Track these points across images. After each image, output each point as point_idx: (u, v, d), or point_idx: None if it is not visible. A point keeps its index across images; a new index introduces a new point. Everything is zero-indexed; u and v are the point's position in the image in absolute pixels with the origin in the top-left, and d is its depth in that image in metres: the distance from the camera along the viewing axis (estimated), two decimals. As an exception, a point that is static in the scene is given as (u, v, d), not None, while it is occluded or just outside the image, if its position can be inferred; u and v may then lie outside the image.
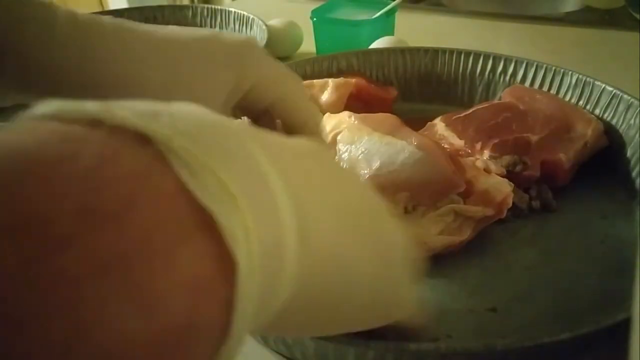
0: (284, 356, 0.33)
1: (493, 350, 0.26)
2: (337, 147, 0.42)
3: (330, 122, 0.44)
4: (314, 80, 0.54)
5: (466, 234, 0.38)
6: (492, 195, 0.38)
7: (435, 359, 0.27)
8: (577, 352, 0.31)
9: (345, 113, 0.45)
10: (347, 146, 0.42)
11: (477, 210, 0.37)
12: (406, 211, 0.38)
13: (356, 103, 0.53)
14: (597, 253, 0.39)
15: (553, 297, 0.31)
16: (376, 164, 0.39)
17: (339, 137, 0.43)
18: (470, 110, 0.49)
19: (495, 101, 0.51)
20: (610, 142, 0.47)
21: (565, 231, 0.41)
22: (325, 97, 0.53)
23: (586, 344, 0.31)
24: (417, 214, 0.38)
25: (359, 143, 0.41)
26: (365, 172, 0.39)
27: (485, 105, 0.50)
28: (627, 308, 0.27)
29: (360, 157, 0.40)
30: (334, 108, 0.51)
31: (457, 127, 0.48)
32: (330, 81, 0.54)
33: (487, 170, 0.41)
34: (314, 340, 0.28)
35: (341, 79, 0.54)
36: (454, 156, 0.41)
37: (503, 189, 0.39)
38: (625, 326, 0.25)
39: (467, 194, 0.38)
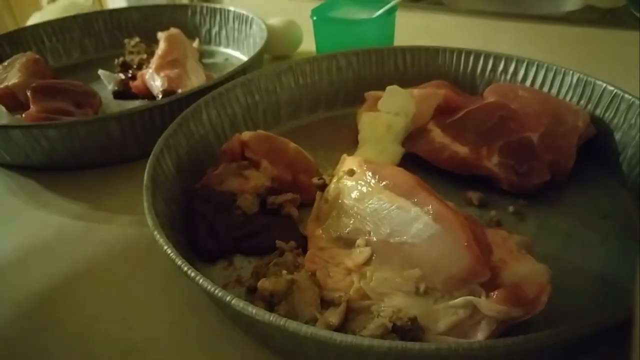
0: (285, 357, 0.33)
1: (494, 351, 0.26)
2: (342, 199, 0.38)
3: (344, 163, 0.40)
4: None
5: (481, 337, 0.30)
6: (524, 290, 0.30)
7: None
8: (577, 352, 0.31)
9: (357, 160, 0.39)
10: (353, 202, 0.37)
11: (500, 310, 0.29)
12: (417, 292, 0.32)
13: (444, 115, 0.49)
14: (597, 253, 0.39)
15: (553, 298, 0.30)
16: (386, 230, 0.34)
17: (345, 183, 0.38)
18: (462, 112, 0.49)
19: (485, 101, 0.50)
20: (611, 142, 0.47)
21: (565, 231, 0.41)
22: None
23: (586, 344, 0.31)
24: (430, 298, 0.31)
25: (367, 201, 0.35)
26: (374, 238, 0.34)
27: (475, 106, 0.49)
28: (627, 308, 0.27)
29: (367, 218, 0.35)
30: (420, 120, 0.49)
31: (454, 131, 0.47)
32: (416, 92, 0.49)
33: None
34: (314, 342, 0.27)
35: (427, 90, 0.50)
36: (478, 231, 0.33)
37: (538, 280, 0.31)
38: (625, 326, 0.25)
39: (491, 285, 0.30)
